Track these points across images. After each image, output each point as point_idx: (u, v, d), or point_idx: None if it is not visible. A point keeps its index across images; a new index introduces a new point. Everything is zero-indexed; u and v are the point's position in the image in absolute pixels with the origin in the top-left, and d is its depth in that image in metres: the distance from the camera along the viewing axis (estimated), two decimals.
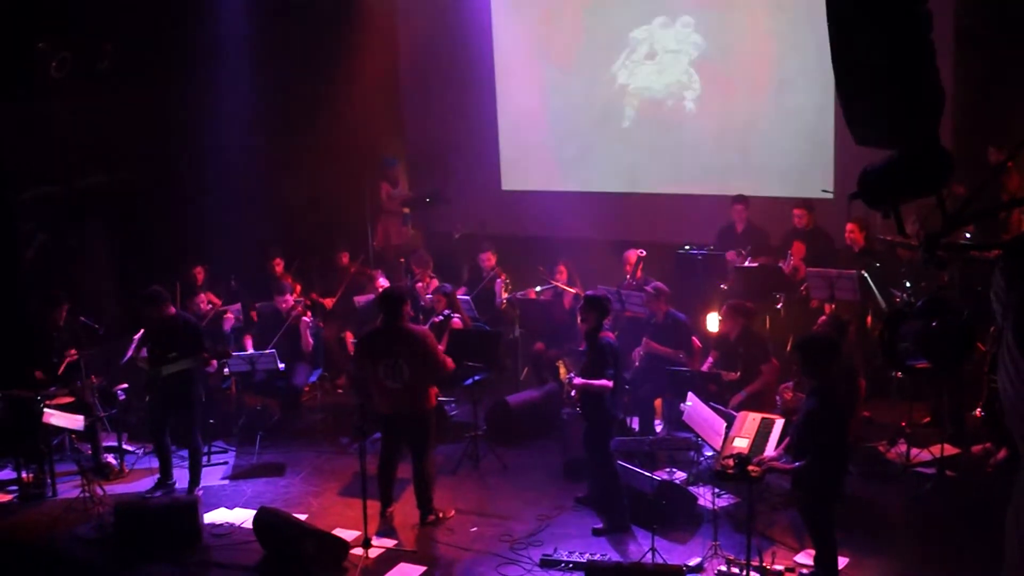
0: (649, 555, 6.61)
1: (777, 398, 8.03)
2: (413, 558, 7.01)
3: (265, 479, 8.51)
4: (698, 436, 7.29)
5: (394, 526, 7.50)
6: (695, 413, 7.20)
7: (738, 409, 7.53)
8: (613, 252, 10.50)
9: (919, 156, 3.42)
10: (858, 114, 3.47)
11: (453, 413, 9.75)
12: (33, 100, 9.88)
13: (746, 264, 9.93)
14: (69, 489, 8.26)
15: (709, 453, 7.82)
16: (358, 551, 6.97)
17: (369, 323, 8.81)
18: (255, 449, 9.00)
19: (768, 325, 9.66)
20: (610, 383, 7.11)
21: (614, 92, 12.00)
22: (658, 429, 8.77)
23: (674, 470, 7.97)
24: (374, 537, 7.16)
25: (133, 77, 10.48)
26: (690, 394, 7.44)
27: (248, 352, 9.10)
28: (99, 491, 7.98)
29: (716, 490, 7.24)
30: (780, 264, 9.87)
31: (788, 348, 9.21)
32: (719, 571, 6.53)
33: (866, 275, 8.73)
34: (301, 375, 9.60)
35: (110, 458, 8.75)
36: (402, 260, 11.63)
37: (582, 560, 6.71)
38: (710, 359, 8.66)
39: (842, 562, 6.33)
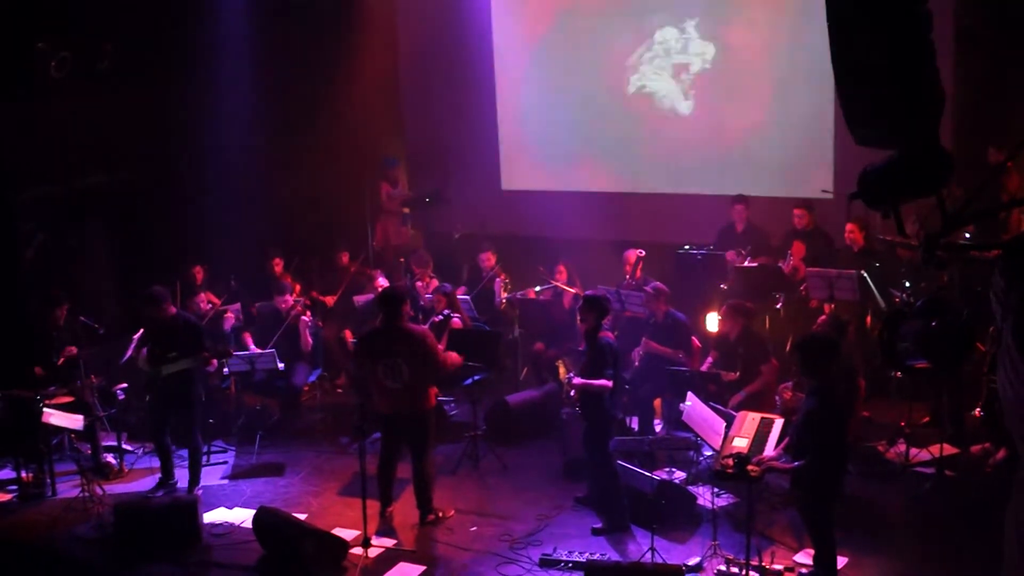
0: (648, 555, 6.62)
1: (776, 398, 8.03)
2: (413, 558, 7.01)
3: (265, 479, 8.51)
4: (697, 436, 7.29)
5: (394, 526, 7.50)
6: (694, 413, 7.21)
7: (737, 409, 7.53)
8: (613, 252, 10.50)
9: (919, 156, 3.43)
10: (858, 114, 3.48)
11: (453, 413, 9.76)
12: (33, 100, 9.87)
13: (746, 264, 9.93)
14: (68, 489, 8.26)
15: (708, 453, 7.82)
16: (358, 551, 6.98)
17: (369, 323, 8.82)
18: (255, 449, 9.00)
19: (768, 325, 9.67)
20: (609, 383, 7.11)
21: (614, 92, 11.99)
22: (657, 429, 8.77)
23: (673, 470, 7.98)
24: (374, 537, 7.16)
25: (133, 77, 10.48)
26: (689, 394, 7.45)
27: (248, 352, 9.10)
28: (98, 491, 7.98)
29: (715, 490, 7.24)
30: (780, 264, 9.87)
31: (788, 348, 9.21)
32: (718, 571, 6.53)
33: (866, 275, 8.74)
34: (301, 375, 9.60)
35: (109, 458, 8.75)
36: (402, 260, 11.63)
37: (581, 560, 6.71)
38: (710, 359, 8.66)
39: (841, 562, 6.33)
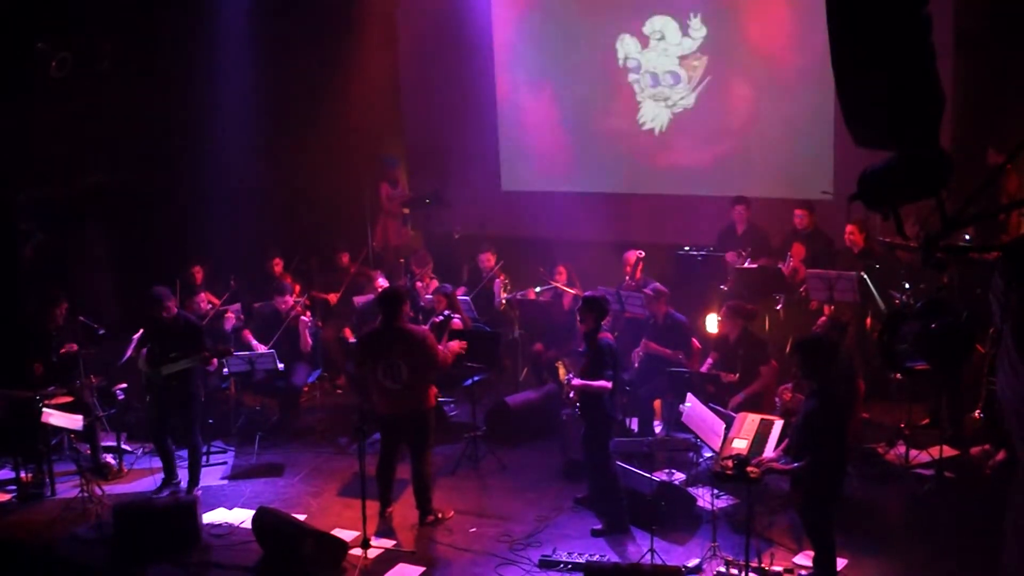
0: (648, 556, 6.61)
1: (776, 399, 8.02)
2: (412, 558, 7.01)
3: (264, 479, 8.51)
4: (697, 437, 7.30)
5: (393, 526, 7.50)
6: (694, 414, 7.21)
7: (737, 410, 7.53)
8: (613, 253, 10.50)
9: (919, 158, 3.43)
10: (858, 115, 3.48)
11: (452, 413, 9.75)
12: (33, 100, 9.88)
13: (746, 265, 9.93)
14: (68, 489, 8.25)
15: (708, 454, 7.83)
16: (357, 551, 6.97)
17: (369, 324, 8.81)
18: (254, 449, 9.00)
19: (767, 327, 9.67)
20: (609, 384, 7.11)
21: (614, 92, 12.00)
22: (657, 430, 8.77)
23: (673, 471, 7.98)
24: (373, 537, 7.16)
25: (133, 77, 10.49)
26: (689, 395, 7.45)
27: (248, 352, 9.10)
28: (98, 491, 7.97)
29: (715, 491, 7.24)
30: (780, 265, 9.87)
31: (787, 349, 9.22)
32: (718, 572, 6.53)
33: (865, 277, 8.74)
34: (300, 375, 9.59)
35: (109, 458, 8.74)
36: (402, 260, 11.63)
37: (581, 561, 6.70)
38: (709, 360, 8.66)
39: (841, 563, 6.33)
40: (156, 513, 7.37)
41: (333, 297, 11.02)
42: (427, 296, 9.95)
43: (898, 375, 8.48)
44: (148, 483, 8.38)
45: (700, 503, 7.42)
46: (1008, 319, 3.49)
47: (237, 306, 10.29)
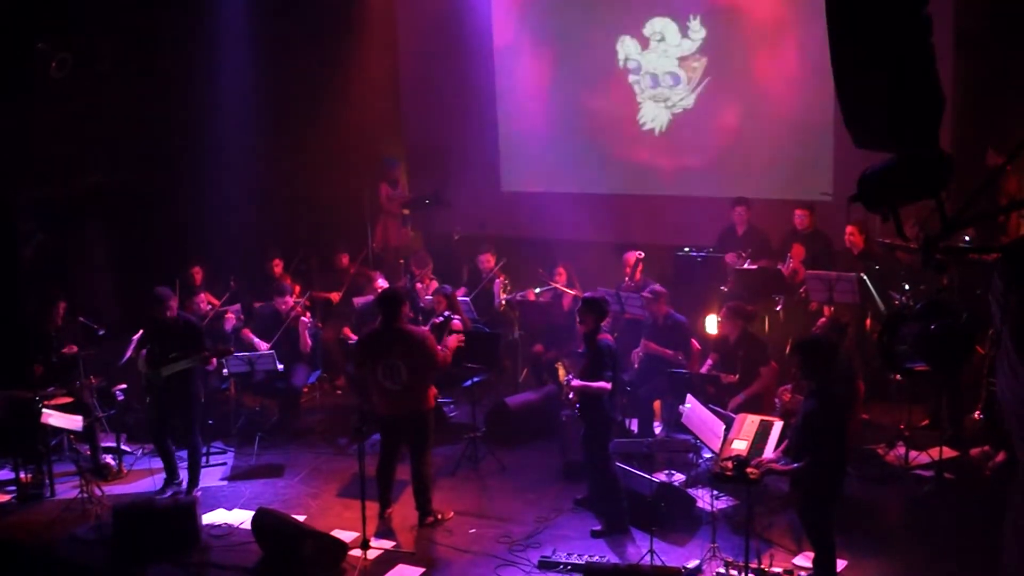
0: (647, 557, 6.62)
1: (776, 400, 8.03)
2: (412, 559, 7.01)
3: (264, 480, 8.51)
4: (697, 438, 7.29)
5: (393, 527, 7.50)
6: (694, 415, 7.20)
7: (737, 411, 7.53)
8: (612, 254, 10.49)
9: (919, 159, 3.42)
10: (858, 116, 3.47)
11: (452, 414, 9.75)
12: (33, 100, 9.88)
13: (745, 266, 9.93)
14: (67, 490, 8.25)
15: (708, 455, 7.82)
16: (357, 552, 6.97)
17: (368, 324, 8.81)
18: (254, 450, 8.99)
19: (767, 328, 9.67)
20: (608, 385, 7.10)
21: (614, 93, 11.99)
22: (657, 431, 8.77)
23: (673, 472, 7.98)
24: (373, 538, 7.16)
25: (133, 77, 10.48)
26: (689, 396, 7.45)
27: (247, 353, 9.09)
28: (97, 492, 7.97)
29: (715, 492, 7.23)
30: (779, 266, 9.87)
31: (787, 350, 9.21)
32: (717, 573, 6.53)
33: (865, 278, 8.74)
34: (300, 376, 9.59)
35: (108, 459, 8.74)
36: (402, 261, 11.63)
37: (580, 562, 6.70)
38: (709, 361, 8.66)
39: (840, 564, 6.33)
40: (156, 514, 7.37)
41: (335, 296, 11.02)
42: (427, 297, 9.95)
43: (898, 376, 8.47)
44: (148, 484, 8.38)
45: (700, 504, 7.42)
46: (1008, 320, 3.48)
47: (237, 307, 10.29)
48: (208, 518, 7.68)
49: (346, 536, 7.17)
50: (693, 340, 8.97)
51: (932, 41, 3.28)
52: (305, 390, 10.05)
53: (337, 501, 8.05)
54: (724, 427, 7.11)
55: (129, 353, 8.83)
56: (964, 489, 7.63)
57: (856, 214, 9.18)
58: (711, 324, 9.25)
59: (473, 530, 7.43)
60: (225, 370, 8.98)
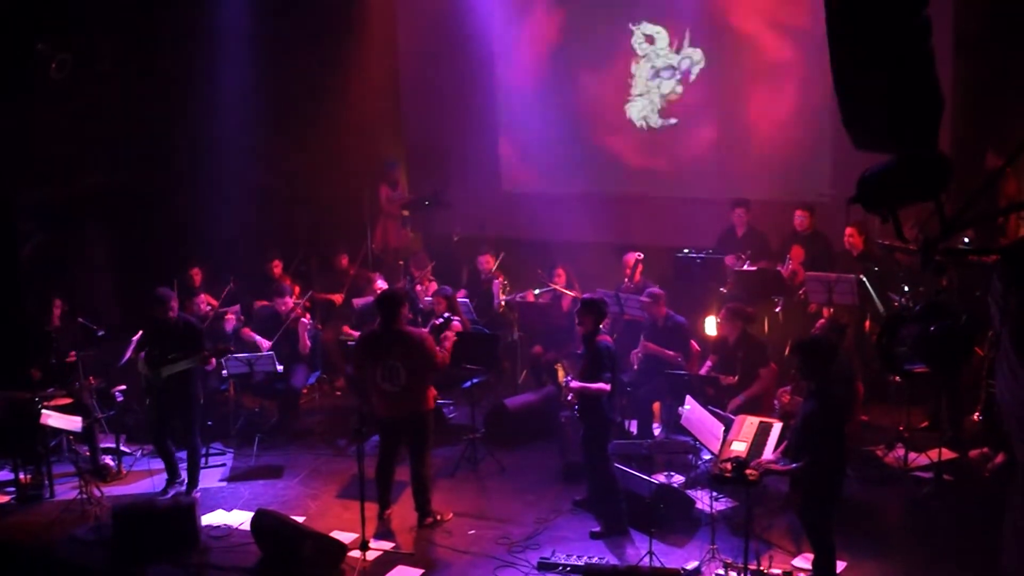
0: (647, 558, 6.62)
1: (775, 402, 8.03)
2: (411, 561, 7.00)
3: (263, 481, 8.50)
4: (696, 440, 7.29)
5: (392, 528, 7.49)
6: (693, 417, 7.20)
7: (736, 413, 7.53)
8: (612, 255, 10.48)
9: (918, 160, 3.42)
10: (857, 118, 3.47)
11: (451, 415, 9.75)
12: (33, 100, 9.88)
13: (745, 268, 9.93)
14: (67, 491, 8.25)
15: (707, 457, 7.82)
16: (356, 553, 6.97)
17: (367, 326, 8.81)
18: (253, 451, 8.99)
19: (767, 329, 9.66)
20: (607, 386, 7.10)
21: (614, 94, 11.99)
22: (656, 433, 8.77)
23: (672, 473, 7.98)
24: (372, 539, 7.15)
25: (133, 77, 10.49)
26: (688, 398, 7.45)
27: (247, 354, 9.09)
28: (97, 493, 7.96)
29: (714, 494, 7.23)
30: (779, 268, 9.87)
31: (786, 352, 9.21)
32: (716, 575, 6.52)
33: (864, 279, 8.74)
34: (299, 377, 9.58)
35: (108, 460, 8.73)
36: (401, 262, 11.62)
37: (580, 563, 6.70)
38: (708, 362, 8.66)
39: (840, 566, 6.33)
40: (155, 515, 7.36)
41: (338, 298, 11.02)
42: (426, 298, 9.94)
43: (897, 378, 8.46)
44: (147, 485, 8.38)
45: (699, 505, 7.42)
46: (1007, 322, 3.48)
47: (237, 307, 10.28)
48: (207, 519, 7.67)
49: (345, 537, 7.17)
50: (692, 341, 8.97)
51: (932, 42, 3.28)
52: (304, 391, 10.05)
53: (336, 502, 8.04)
54: (723, 428, 7.11)
55: (129, 354, 8.83)
56: (963, 491, 7.63)
57: (856, 215, 9.18)
58: (710, 325, 9.25)
59: (472, 531, 7.42)
60: (224, 371, 8.97)
